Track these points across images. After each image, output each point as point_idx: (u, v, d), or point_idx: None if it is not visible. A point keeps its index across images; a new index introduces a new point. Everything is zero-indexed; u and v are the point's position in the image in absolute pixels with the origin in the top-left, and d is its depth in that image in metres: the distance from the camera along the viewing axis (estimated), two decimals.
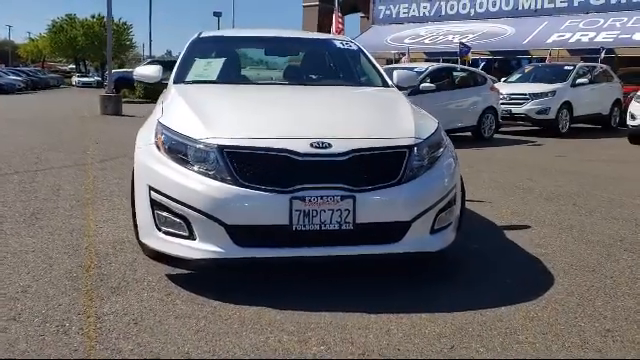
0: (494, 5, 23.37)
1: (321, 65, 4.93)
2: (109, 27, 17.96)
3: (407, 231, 3.16)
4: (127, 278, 3.39)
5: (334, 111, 3.76)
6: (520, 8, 22.64)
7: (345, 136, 3.17)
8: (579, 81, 14.78)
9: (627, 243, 4.34)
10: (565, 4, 21.54)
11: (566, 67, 15.57)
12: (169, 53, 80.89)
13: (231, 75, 4.52)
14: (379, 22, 26.72)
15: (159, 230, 3.25)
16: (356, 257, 3.11)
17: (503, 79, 16.00)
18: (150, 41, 58.36)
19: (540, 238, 4.43)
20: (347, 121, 3.49)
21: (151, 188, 3.27)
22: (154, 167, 3.28)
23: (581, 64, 15.72)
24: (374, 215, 3.07)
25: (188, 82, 4.26)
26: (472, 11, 23.91)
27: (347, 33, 35.07)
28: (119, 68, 36.51)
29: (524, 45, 20.57)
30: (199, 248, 3.09)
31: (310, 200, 2.98)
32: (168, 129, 3.34)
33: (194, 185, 3.07)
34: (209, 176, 3.07)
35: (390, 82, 4.55)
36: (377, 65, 4.81)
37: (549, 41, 19.91)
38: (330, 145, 3.08)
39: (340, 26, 15.69)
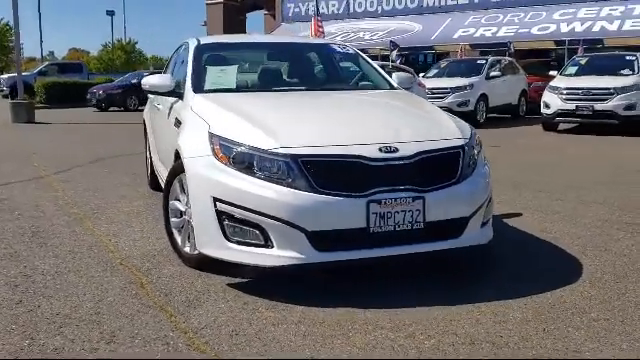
0: (400, 3, 24.27)
1: (330, 70, 5.06)
2: (17, 32, 16.85)
3: (466, 227, 3.40)
4: (190, 291, 3.38)
5: (381, 115, 3.92)
6: (425, 5, 23.68)
7: (407, 139, 3.35)
8: (492, 74, 15.80)
9: (614, 223, 4.83)
10: (467, 1, 22.79)
11: (479, 61, 16.55)
12: (51, 54, 76.52)
13: (249, 82, 4.55)
14: (288, 20, 26.91)
15: (229, 240, 3.28)
16: (425, 254, 3.31)
17: (421, 74, 16.71)
18: (41, 42, 55.01)
19: (539, 223, 4.83)
20: (400, 125, 3.66)
21: (216, 199, 3.28)
22: (218, 178, 3.30)
23: (492, 58, 16.76)
24: (441, 213, 3.28)
25: (208, 91, 4.25)
26: (380, 9, 24.69)
27: (250, 31, 34.85)
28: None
29: (432, 41, 21.57)
30: (278, 255, 3.16)
31: (385, 202, 3.14)
32: (228, 140, 3.36)
33: (271, 194, 3.13)
34: (285, 185, 3.14)
35: (395, 84, 4.77)
36: (378, 67, 5.02)
37: (455, 36, 21.02)
38: (397, 149, 3.25)
39: (320, 30, 15.72)
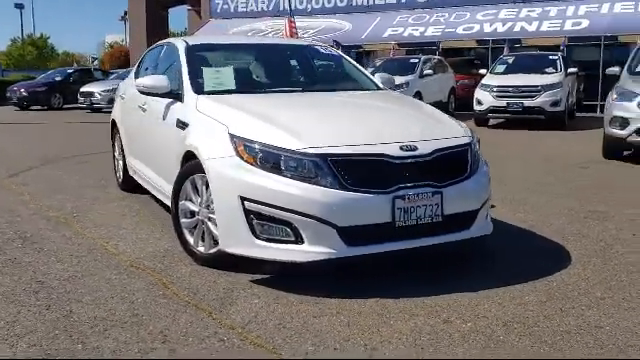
0: (329, 1, 24.54)
1: (318, 71, 5.19)
2: None
3: (475, 219, 3.67)
4: (216, 289, 3.45)
5: (391, 115, 4.12)
6: (354, 4, 24.05)
7: (423, 138, 3.56)
8: (425, 72, 16.40)
9: (580, 212, 5.27)
10: (394, 1, 23.40)
11: (412, 60, 17.13)
12: None
13: (247, 83, 4.62)
14: (217, 16, 26.54)
15: (257, 238, 3.37)
16: (444, 245, 3.54)
17: None
18: None
19: (513, 214, 5.19)
20: (412, 124, 3.88)
21: (244, 198, 3.37)
22: (245, 178, 3.39)
23: (424, 57, 17.37)
24: (457, 206, 3.52)
25: (210, 92, 4.29)
26: (309, 7, 24.86)
27: (176, 26, 34.04)
28: None
29: (363, 40, 21.97)
30: (309, 251, 3.29)
31: (409, 198, 3.34)
32: (252, 141, 3.45)
33: (302, 192, 3.25)
34: (315, 183, 3.27)
35: (380, 85, 4.99)
36: (362, 68, 5.22)
37: (385, 35, 21.50)
38: (416, 147, 3.45)
39: (294, 30, 15.54)
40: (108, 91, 19.55)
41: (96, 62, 34.76)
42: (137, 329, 2.91)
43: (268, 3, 25.70)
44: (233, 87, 4.43)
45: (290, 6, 15.91)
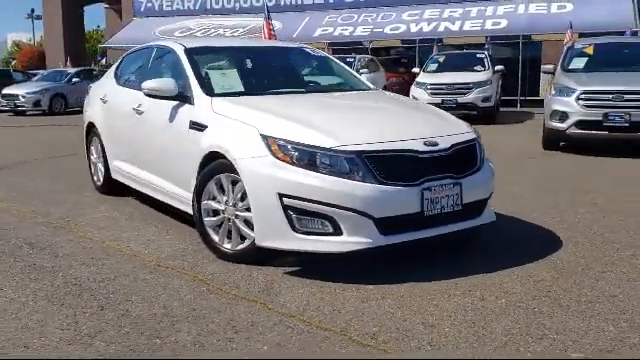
0: (257, 0, 24.63)
1: (315, 72, 5.40)
2: None
3: (485, 206, 4.03)
4: (256, 282, 3.61)
5: (405, 113, 4.42)
6: (283, 3, 24.28)
7: (440, 134, 3.88)
8: (361, 71, 16.82)
9: (549, 199, 5.78)
10: (322, 1, 23.81)
11: (348, 59, 17.53)
12: None
13: (252, 85, 4.76)
14: (140, 14, 25.99)
15: (296, 232, 3.57)
16: (463, 231, 3.87)
17: None
18: None
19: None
20: (426, 121, 4.19)
21: (282, 195, 3.56)
22: (283, 176, 3.58)
23: (359, 56, 17.86)
24: (472, 196, 3.86)
25: (221, 94, 4.41)
26: (237, 5, 24.83)
27: (89, 24, 33.08)
28: None
29: (294, 39, 22.16)
30: (347, 241, 3.53)
31: (435, 189, 3.65)
32: (287, 141, 3.64)
33: (341, 187, 3.48)
34: (352, 178, 3.51)
35: (370, 85, 5.28)
36: (349, 68, 5.49)
37: (316, 35, 21.87)
38: (437, 143, 3.77)
39: (272, 32, 15.25)
40: (34, 93, 18.77)
41: (14, 62, 33.02)
42: (203, 322, 3.04)
43: (195, 2, 25.46)
44: (242, 89, 4.57)
45: (267, 8, 15.89)
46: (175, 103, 4.57)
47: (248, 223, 3.85)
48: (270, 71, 5.11)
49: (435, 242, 3.85)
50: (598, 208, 5.39)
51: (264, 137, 3.71)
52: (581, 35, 19.57)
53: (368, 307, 3.22)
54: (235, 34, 22.65)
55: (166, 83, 4.52)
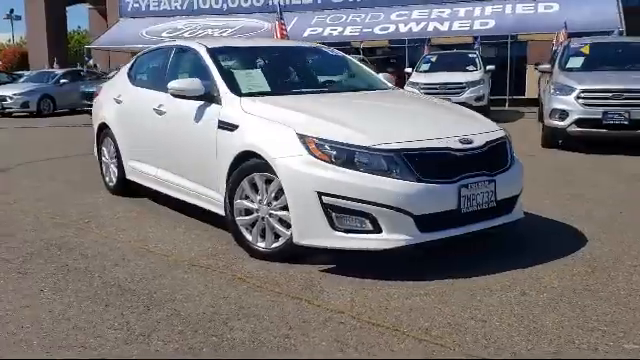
0: (246, 1, 24.58)
1: (335, 72, 5.43)
2: None
3: (515, 203, 4.09)
4: (295, 280, 3.63)
5: (435, 112, 4.46)
6: (270, 4, 24.25)
7: (473, 132, 3.93)
8: None
9: (559, 195, 5.88)
10: (310, 1, 23.85)
11: None
12: None
13: (278, 85, 4.77)
14: (127, 15, 25.73)
15: (335, 230, 3.60)
16: (497, 227, 3.93)
17: None
18: None
19: None
20: (458, 120, 4.25)
21: (321, 193, 3.59)
22: (322, 175, 3.60)
23: (351, 56, 17.87)
24: (505, 193, 3.92)
25: (248, 94, 4.41)
26: (225, 6, 24.74)
27: (70, 25, 32.72)
28: None
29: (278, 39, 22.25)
30: (387, 239, 3.56)
31: (471, 186, 3.70)
32: (325, 140, 3.67)
33: (380, 185, 3.52)
34: (391, 176, 3.54)
35: (389, 84, 5.33)
36: (366, 67, 5.54)
37: (305, 35, 21.87)
38: (472, 140, 3.82)
39: (284, 32, 15.16)
40: (22, 94, 18.55)
41: None
42: (255, 320, 3.06)
43: (182, 2, 25.33)
44: (267, 89, 4.59)
45: (280, 8, 15.89)
46: (201, 103, 4.56)
47: (282, 221, 3.87)
48: (292, 71, 5.13)
49: (470, 239, 3.89)
50: (612, 204, 5.49)
51: (301, 136, 3.73)
52: (569, 35, 19.87)
53: (413, 303, 3.26)
54: (224, 34, 22.59)
55: (192, 83, 4.52)
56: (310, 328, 2.96)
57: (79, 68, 23.11)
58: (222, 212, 4.36)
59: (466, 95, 14.49)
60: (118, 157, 5.97)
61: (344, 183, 3.56)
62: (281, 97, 4.47)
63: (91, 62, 23.86)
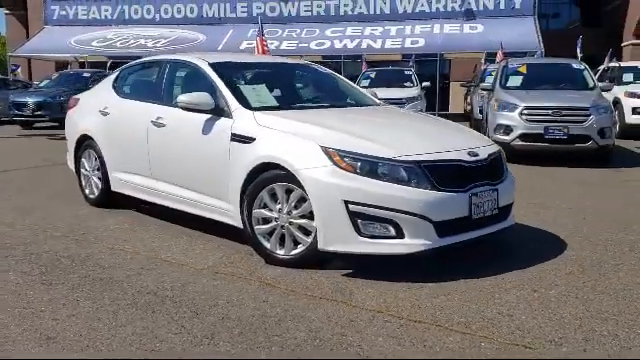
0: (179, 12, 24.41)
1: (329, 88, 5.69)
2: None
3: (510, 210, 4.51)
4: (320, 284, 3.84)
5: (437, 128, 4.81)
6: (205, 16, 24.24)
7: (476, 145, 4.31)
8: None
9: (522, 204, 6.40)
10: (245, 15, 24.03)
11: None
12: None
13: (283, 100, 4.98)
14: (53, 23, 24.90)
15: (361, 236, 3.86)
16: (498, 232, 4.32)
17: None
18: None
19: None
20: (460, 135, 4.60)
21: (348, 202, 3.85)
22: (347, 184, 3.86)
23: None
24: (505, 200, 4.32)
25: (259, 109, 4.61)
26: (157, 16, 24.46)
27: None
28: None
29: (219, 51, 22.24)
30: (409, 243, 3.86)
31: (480, 195, 4.07)
32: (349, 152, 3.93)
33: (403, 194, 3.82)
34: (412, 185, 3.85)
35: (377, 100, 5.67)
36: (355, 85, 5.85)
37: (242, 48, 22.05)
38: (478, 153, 4.20)
39: (266, 48, 14.79)
40: None
41: None
42: (305, 320, 3.25)
43: (112, 11, 24.83)
44: (275, 103, 4.79)
45: (261, 25, 15.82)
46: (209, 116, 4.70)
47: (302, 229, 4.09)
48: (292, 86, 5.35)
49: (476, 243, 4.26)
50: (572, 212, 6.06)
51: (324, 149, 3.97)
52: (490, 55, 21.14)
53: (442, 302, 3.56)
54: (158, 45, 22.34)
55: (202, 97, 4.65)
56: (361, 326, 3.20)
57: (5, 77, 22.10)
58: (231, 221, 4.52)
59: None
60: (103, 169, 5.95)
61: (369, 192, 3.83)
62: (289, 111, 4.69)
63: (19, 71, 22.87)
